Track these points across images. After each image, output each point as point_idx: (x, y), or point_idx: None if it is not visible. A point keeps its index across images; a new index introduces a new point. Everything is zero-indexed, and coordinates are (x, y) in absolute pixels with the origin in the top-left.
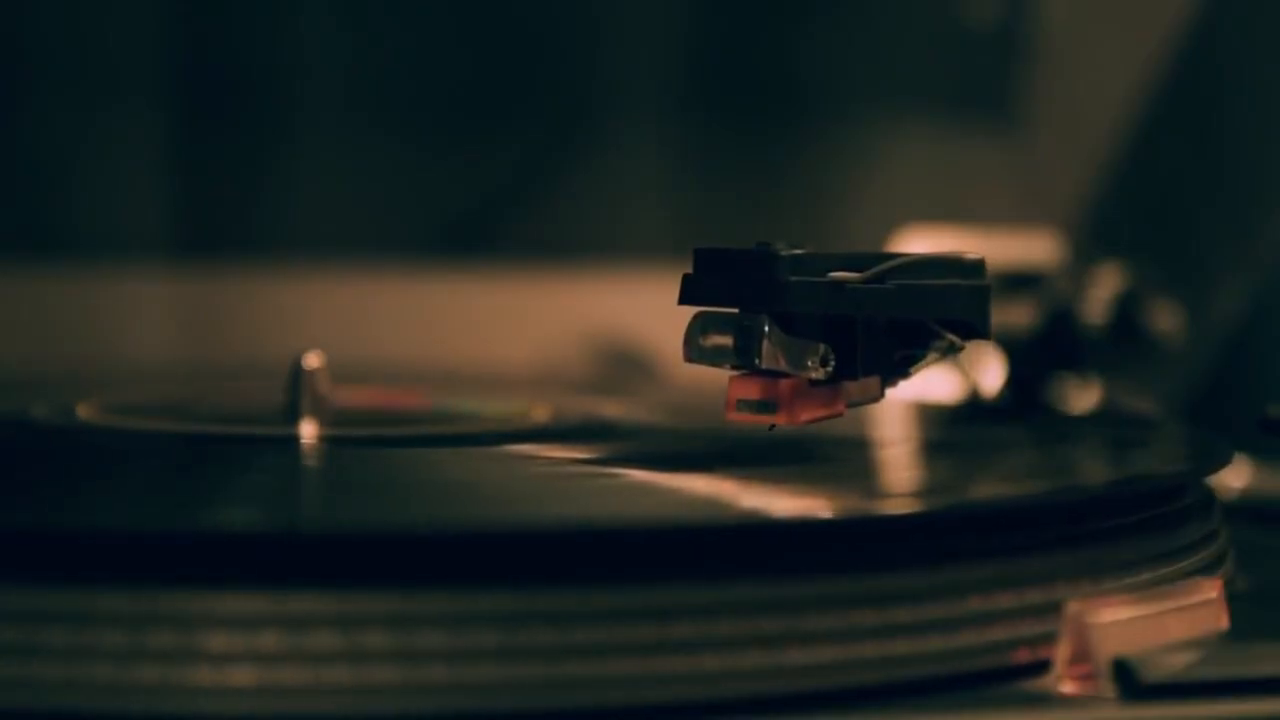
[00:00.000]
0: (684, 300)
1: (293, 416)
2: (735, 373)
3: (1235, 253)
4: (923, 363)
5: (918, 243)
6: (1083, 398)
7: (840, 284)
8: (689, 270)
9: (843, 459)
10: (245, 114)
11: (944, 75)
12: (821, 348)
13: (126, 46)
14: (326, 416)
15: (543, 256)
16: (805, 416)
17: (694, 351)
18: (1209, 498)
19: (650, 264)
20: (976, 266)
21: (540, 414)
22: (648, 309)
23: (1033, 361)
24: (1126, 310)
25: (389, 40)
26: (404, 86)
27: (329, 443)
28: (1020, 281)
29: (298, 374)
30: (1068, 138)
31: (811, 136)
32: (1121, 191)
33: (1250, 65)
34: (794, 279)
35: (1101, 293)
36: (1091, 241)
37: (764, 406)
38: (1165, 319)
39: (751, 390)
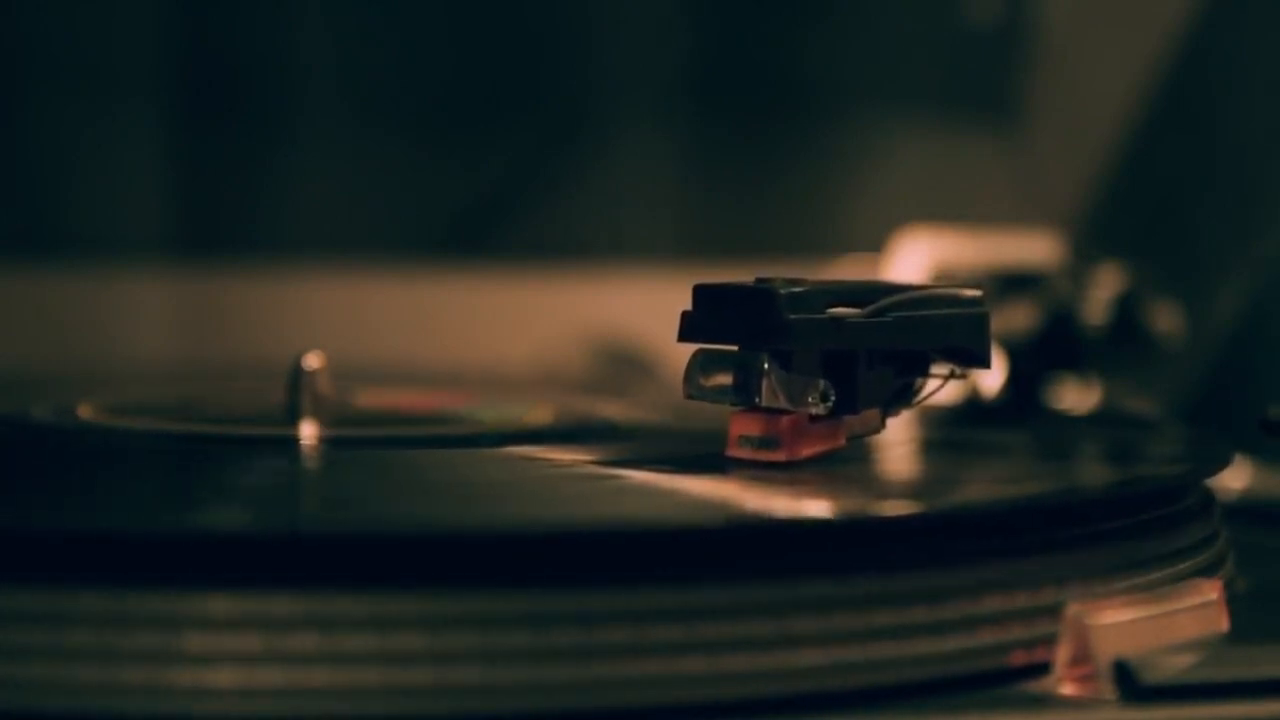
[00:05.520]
0: (683, 338)
1: (293, 416)
2: (736, 409)
3: (1235, 253)
4: (924, 393)
5: (918, 243)
6: (1083, 398)
7: (840, 319)
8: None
9: (842, 460)
10: (245, 114)
11: (944, 75)
12: (821, 384)
13: (126, 46)
14: (327, 417)
15: (543, 256)
16: (806, 452)
17: (694, 389)
18: (1209, 499)
19: (651, 264)
20: (975, 300)
21: (540, 415)
22: (648, 309)
23: (1033, 362)
24: (1126, 310)
25: (389, 40)
26: (404, 86)
27: (328, 444)
28: (1020, 282)
29: (298, 374)
30: (1068, 138)
31: (812, 136)
32: (1121, 191)
33: (1249, 65)
34: (794, 317)
35: (1101, 293)
36: (1091, 241)
37: (765, 443)
38: (1165, 319)
39: (752, 427)
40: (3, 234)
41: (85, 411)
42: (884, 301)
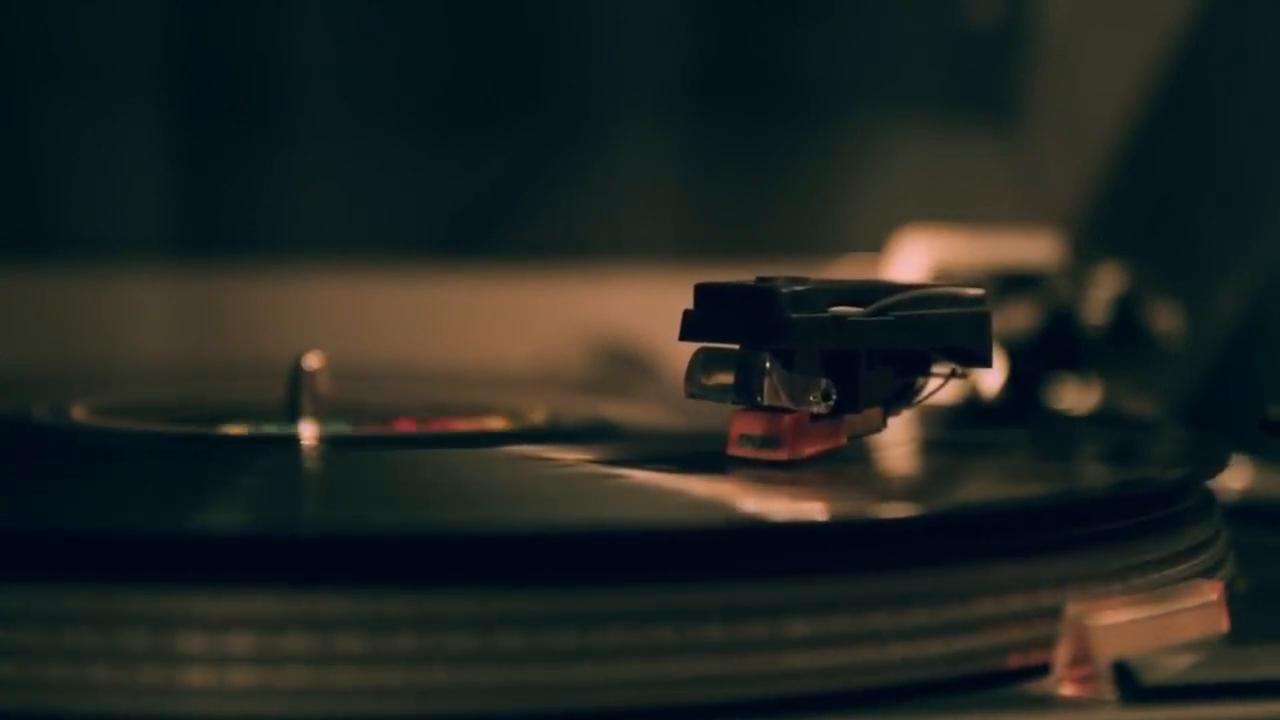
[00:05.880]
0: (684, 336)
1: (293, 417)
2: (737, 407)
3: (1235, 253)
4: (925, 392)
5: (918, 243)
6: (1083, 398)
7: (841, 319)
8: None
9: (843, 460)
10: (244, 114)
11: (944, 75)
12: (823, 383)
13: (126, 46)
14: (326, 416)
15: (543, 256)
16: (808, 451)
17: (696, 388)
18: (1209, 499)
19: (651, 264)
20: (976, 299)
21: (540, 415)
22: (648, 309)
23: (1033, 362)
24: (1126, 310)
25: (389, 40)
26: (404, 86)
27: (328, 443)
28: (1020, 281)
29: (298, 374)
30: (1068, 138)
31: (812, 136)
32: (1121, 191)
33: (1249, 65)
34: (795, 316)
35: (1101, 293)
36: (1091, 241)
37: (767, 442)
38: (1165, 319)
39: (754, 426)
40: (3, 234)
41: (84, 411)
42: (885, 301)
